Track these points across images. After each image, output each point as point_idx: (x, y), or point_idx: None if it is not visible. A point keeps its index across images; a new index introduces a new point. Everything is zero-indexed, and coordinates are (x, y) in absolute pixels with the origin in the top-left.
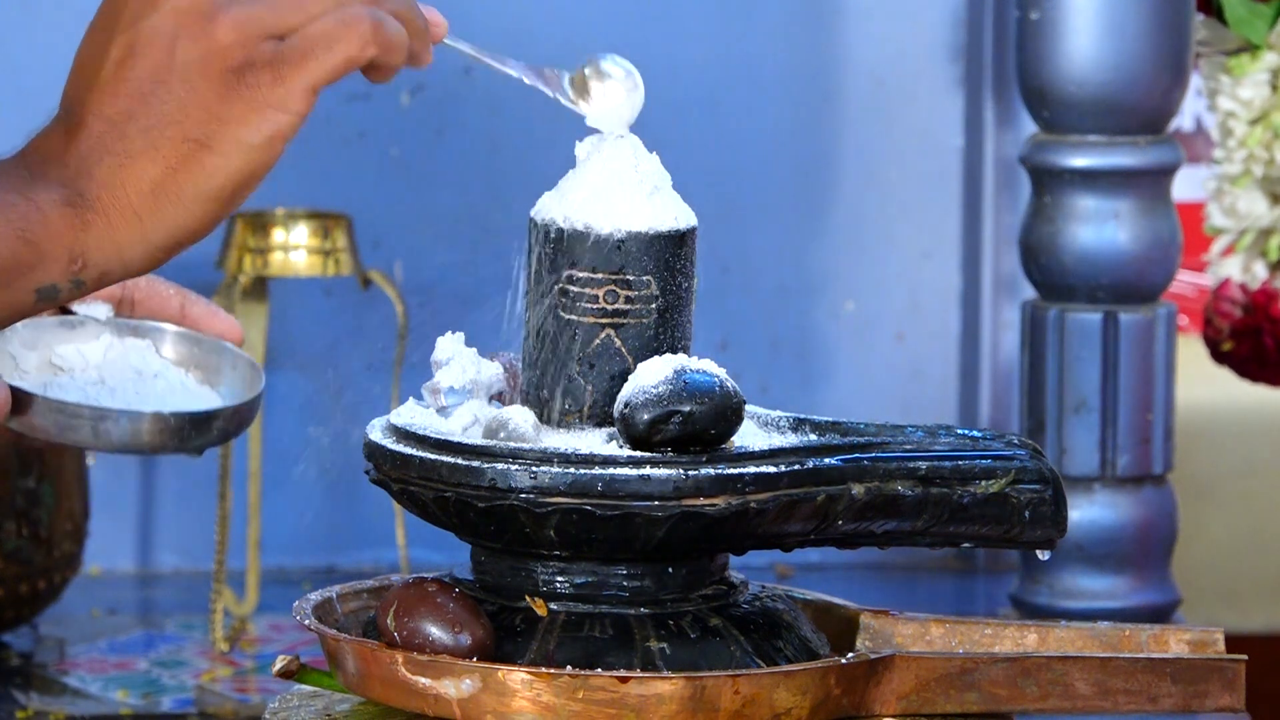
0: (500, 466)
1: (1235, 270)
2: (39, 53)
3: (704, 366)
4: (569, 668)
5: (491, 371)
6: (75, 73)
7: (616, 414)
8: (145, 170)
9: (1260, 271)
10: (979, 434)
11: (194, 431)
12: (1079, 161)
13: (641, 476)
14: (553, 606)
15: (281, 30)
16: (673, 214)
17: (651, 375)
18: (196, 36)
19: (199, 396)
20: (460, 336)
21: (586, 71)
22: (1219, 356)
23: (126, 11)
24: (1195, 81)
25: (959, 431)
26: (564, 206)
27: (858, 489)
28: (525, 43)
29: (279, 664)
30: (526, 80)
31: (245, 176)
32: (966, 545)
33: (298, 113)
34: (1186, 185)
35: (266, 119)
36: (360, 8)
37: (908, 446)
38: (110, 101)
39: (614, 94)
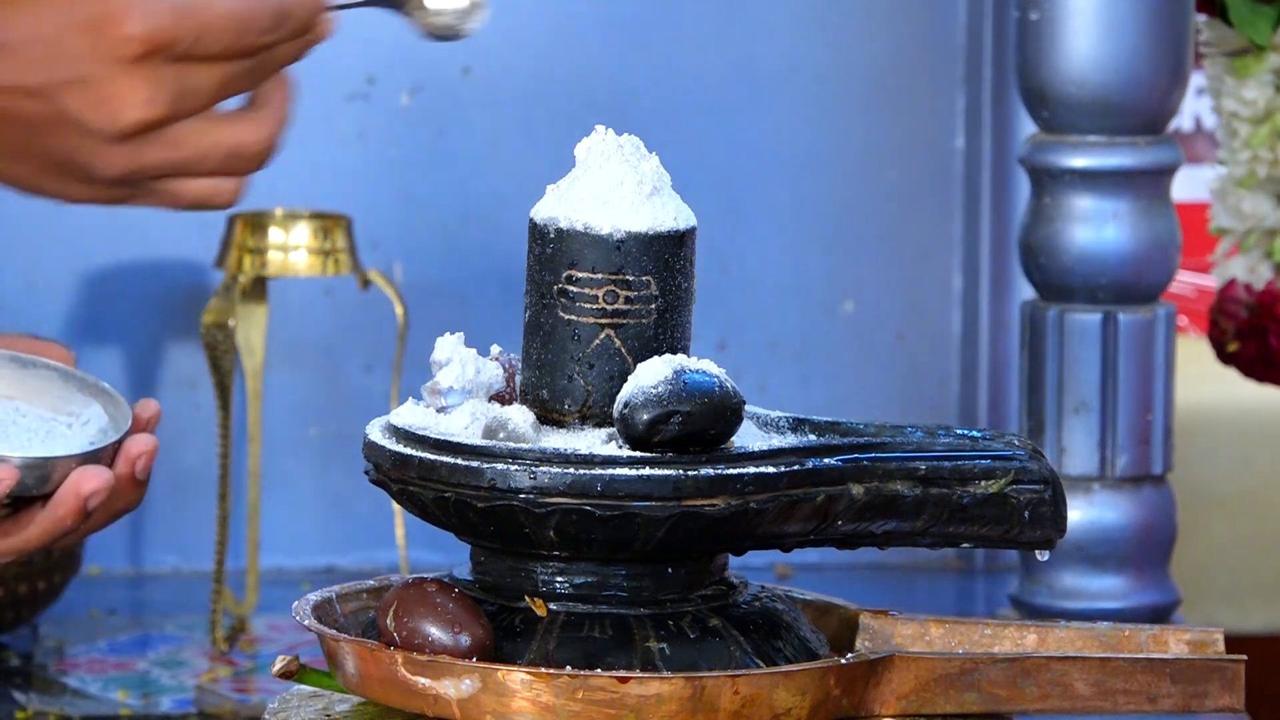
0: (500, 467)
1: (1240, 271)
2: None
3: (703, 366)
4: (568, 668)
5: (491, 371)
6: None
7: (616, 414)
8: None
9: (1265, 272)
10: (979, 434)
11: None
12: (1078, 162)
13: (641, 477)
14: (552, 607)
15: (169, 176)
16: (672, 214)
17: (651, 375)
18: (98, 144)
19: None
20: (460, 336)
21: None
22: (1224, 357)
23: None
24: (1195, 81)
25: (959, 432)
26: (564, 206)
27: (857, 489)
28: (524, 44)
29: (278, 664)
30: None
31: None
32: (966, 545)
33: (125, 204)
34: (1187, 185)
35: (100, 198)
36: (236, 186)
37: (907, 447)
38: (7, 93)
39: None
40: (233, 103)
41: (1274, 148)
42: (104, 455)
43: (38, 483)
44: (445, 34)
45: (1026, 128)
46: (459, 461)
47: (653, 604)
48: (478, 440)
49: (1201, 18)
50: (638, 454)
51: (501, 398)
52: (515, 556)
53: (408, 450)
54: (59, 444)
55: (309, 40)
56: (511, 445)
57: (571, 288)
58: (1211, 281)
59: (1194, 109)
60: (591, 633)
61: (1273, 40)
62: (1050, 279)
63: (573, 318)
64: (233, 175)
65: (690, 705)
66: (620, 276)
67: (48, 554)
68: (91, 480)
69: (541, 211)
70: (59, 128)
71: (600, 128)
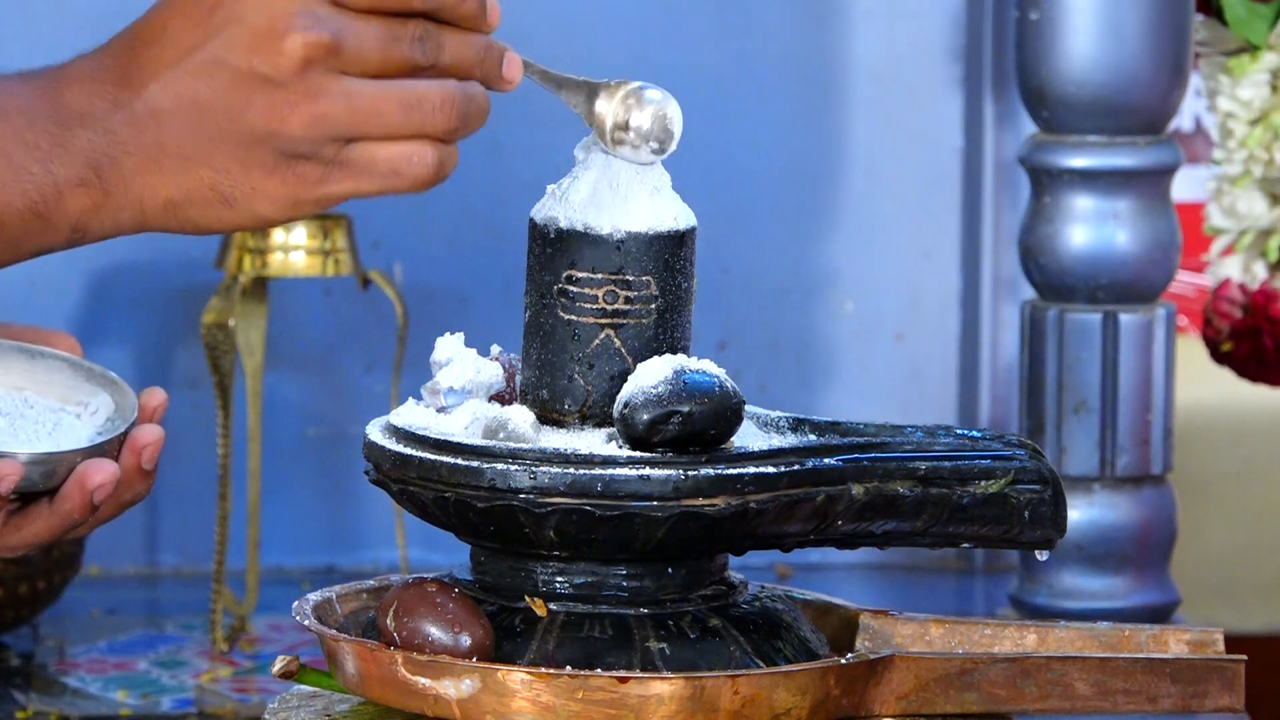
0: (500, 466)
1: (1235, 271)
2: (39, 53)
3: (704, 367)
4: (568, 668)
5: (491, 371)
6: (143, 28)
7: (616, 414)
8: (166, 187)
9: (1260, 272)
10: (978, 434)
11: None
12: (1078, 162)
13: (641, 477)
14: (552, 607)
15: (353, 136)
16: (673, 214)
17: (651, 375)
18: (268, 89)
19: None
20: (460, 336)
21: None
22: (1219, 357)
23: (208, 6)
24: (1195, 81)
25: (958, 432)
26: (564, 206)
27: (857, 489)
28: (525, 43)
29: (278, 664)
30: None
31: (249, 228)
32: (966, 545)
33: (325, 208)
34: (1186, 185)
35: (295, 204)
36: (428, 151)
37: (907, 447)
38: (166, 88)
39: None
40: None
41: (1269, 147)
42: (110, 448)
43: (44, 478)
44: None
45: (1026, 128)
46: (459, 461)
47: (653, 604)
48: (478, 440)
49: (1198, 17)
50: (638, 454)
51: (501, 398)
52: (515, 556)
53: (408, 450)
54: (67, 435)
55: (477, 39)
56: (511, 445)
57: (571, 288)
58: (1208, 281)
59: (1194, 109)
60: (591, 633)
61: (1269, 40)
62: (1050, 279)
63: (573, 318)
64: (422, 137)
65: (690, 705)
66: (620, 276)
67: (48, 554)
68: (97, 474)
69: (541, 211)
70: (231, 87)
71: None
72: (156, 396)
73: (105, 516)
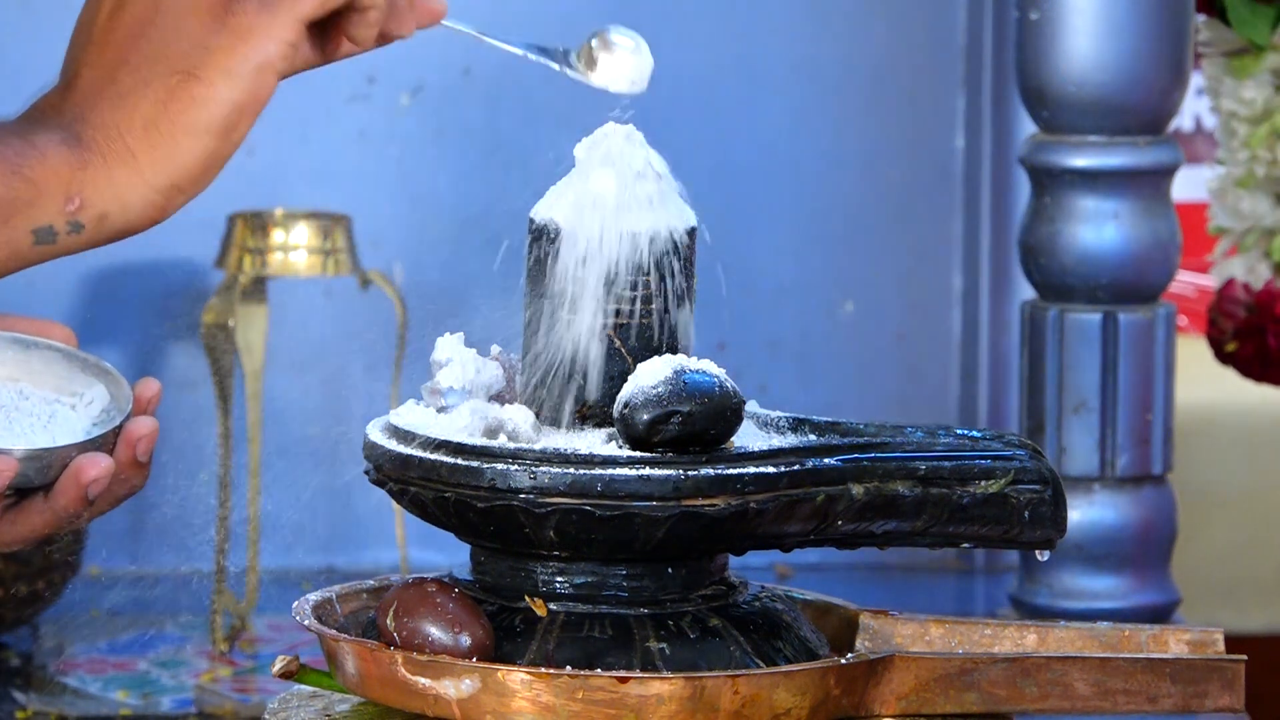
0: (500, 467)
1: (1239, 271)
2: (39, 53)
3: (703, 367)
4: (568, 668)
5: (491, 371)
6: (74, 35)
7: (616, 414)
8: (137, 106)
9: (1264, 272)
10: (978, 434)
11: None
12: (1078, 162)
13: (641, 477)
14: (552, 607)
15: None
16: (672, 214)
17: (651, 375)
18: None
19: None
20: (460, 336)
21: (594, 44)
22: (1223, 357)
23: None
24: (1196, 81)
25: (958, 432)
26: (564, 206)
27: (857, 489)
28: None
29: (278, 664)
30: (531, 58)
31: (236, 107)
32: (966, 545)
33: (285, 41)
34: (1187, 185)
35: (253, 47)
36: None
37: (907, 447)
38: (101, 51)
39: (622, 61)
40: None
41: (1273, 148)
42: (104, 441)
43: (39, 473)
44: (615, 86)
45: (1026, 128)
46: (459, 461)
47: (653, 604)
48: (478, 440)
49: (1200, 18)
50: (638, 454)
51: (501, 398)
52: (515, 556)
53: (408, 450)
54: (62, 428)
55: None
56: (512, 445)
57: (572, 288)
58: (1211, 281)
59: (1194, 109)
60: (591, 633)
61: (1272, 40)
62: (1050, 279)
63: (573, 317)
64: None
65: (690, 705)
66: (620, 276)
67: (48, 554)
68: (92, 469)
69: (541, 211)
70: None
71: (611, 124)
72: (151, 388)
73: (101, 510)
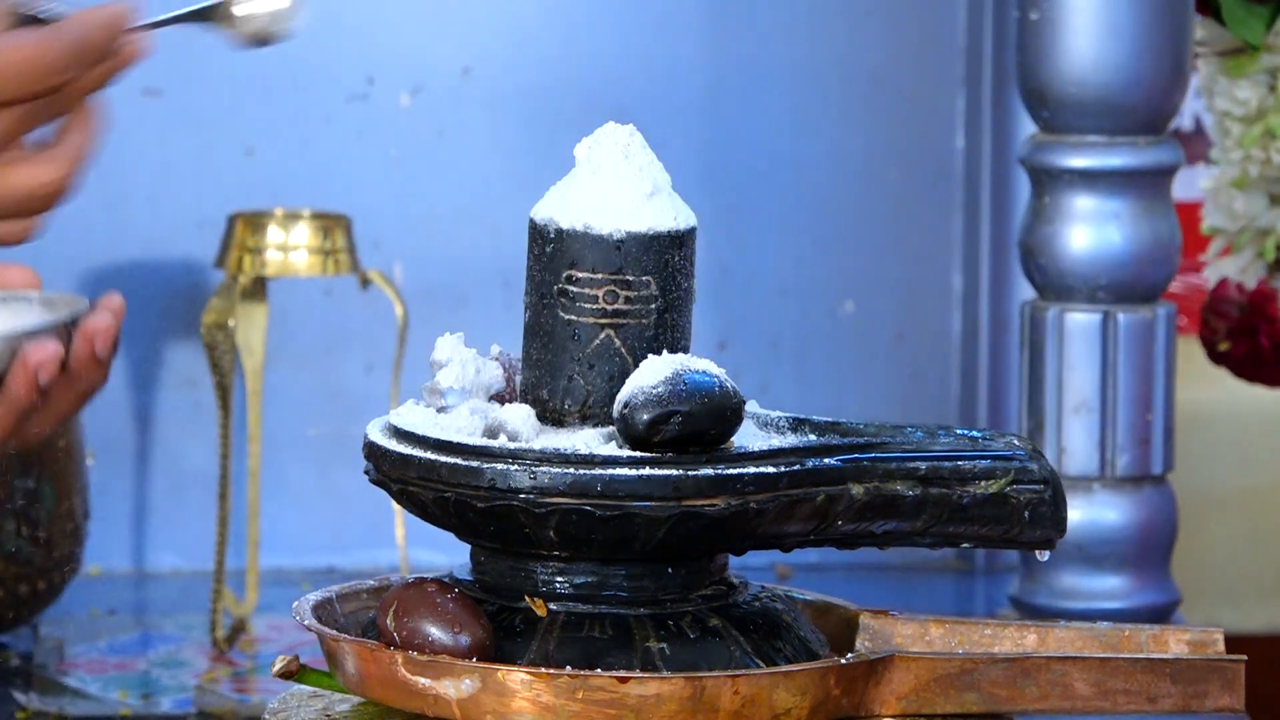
0: (500, 466)
1: (1232, 270)
2: None
3: (703, 366)
4: (568, 668)
5: (491, 371)
6: None
7: (616, 414)
8: None
9: (1257, 271)
10: (978, 434)
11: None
12: (1078, 162)
13: (641, 477)
14: (552, 607)
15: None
16: (672, 214)
17: (651, 375)
18: None
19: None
20: (460, 336)
21: None
22: (1216, 356)
23: None
24: (1195, 81)
25: (958, 432)
26: (564, 206)
27: (857, 489)
28: (524, 44)
29: (278, 664)
30: (179, 13)
31: None
32: (966, 545)
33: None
34: (1186, 185)
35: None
36: (28, 226)
37: (907, 447)
38: None
39: None
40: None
41: (1266, 148)
42: (59, 333)
43: None
44: (260, 40)
45: (1026, 128)
46: (459, 461)
47: (653, 604)
48: (478, 440)
49: (1196, 18)
50: (638, 454)
51: (501, 398)
52: (515, 556)
53: (408, 450)
54: (16, 321)
55: (114, 66)
56: (511, 445)
57: (571, 288)
58: (1205, 280)
59: (1194, 109)
60: (591, 633)
61: (1266, 40)
62: (1050, 279)
63: (573, 318)
64: (27, 216)
65: (690, 705)
66: (620, 276)
67: (48, 554)
68: (38, 352)
69: (541, 211)
70: None
71: (611, 124)
72: (115, 299)
73: (64, 410)
